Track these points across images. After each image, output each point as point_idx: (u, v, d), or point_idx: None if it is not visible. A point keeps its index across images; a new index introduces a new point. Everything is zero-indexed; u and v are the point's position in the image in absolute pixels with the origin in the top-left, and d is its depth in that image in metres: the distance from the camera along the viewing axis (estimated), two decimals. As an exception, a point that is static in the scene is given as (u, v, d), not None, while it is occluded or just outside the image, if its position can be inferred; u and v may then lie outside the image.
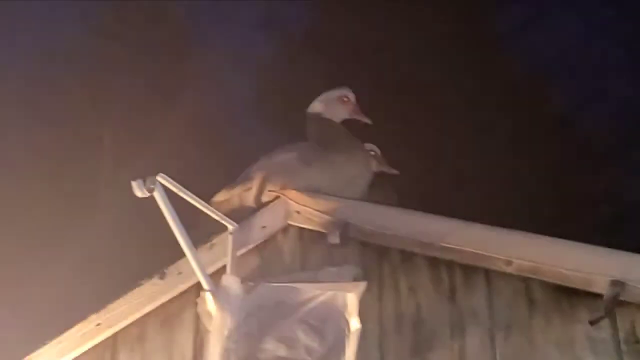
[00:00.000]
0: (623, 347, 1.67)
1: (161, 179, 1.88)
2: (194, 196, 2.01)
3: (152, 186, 1.86)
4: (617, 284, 1.66)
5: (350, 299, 1.90)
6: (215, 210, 2.11)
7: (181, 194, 1.97)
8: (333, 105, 2.28)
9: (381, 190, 2.52)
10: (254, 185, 2.20)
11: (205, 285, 2.03)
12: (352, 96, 2.29)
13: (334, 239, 1.98)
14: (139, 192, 1.84)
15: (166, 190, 1.90)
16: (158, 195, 1.88)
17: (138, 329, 2.21)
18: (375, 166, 2.56)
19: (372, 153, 2.57)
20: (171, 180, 1.92)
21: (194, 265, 2.00)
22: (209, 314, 2.04)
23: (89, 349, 2.22)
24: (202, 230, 2.21)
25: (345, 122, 2.40)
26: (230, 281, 2.05)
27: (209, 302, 2.03)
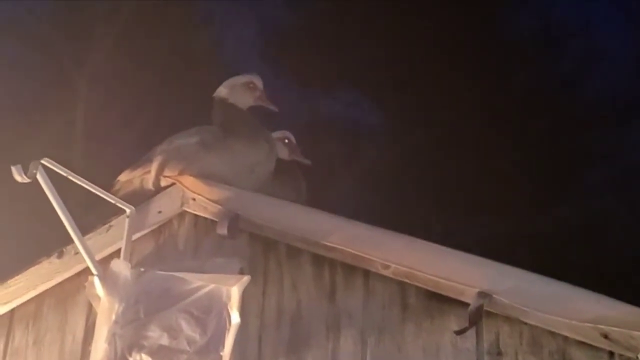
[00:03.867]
0: (485, 358, 1.66)
1: (46, 162, 1.86)
2: (84, 180, 1.98)
3: (34, 171, 1.84)
4: (484, 295, 1.64)
5: (234, 292, 1.89)
6: (109, 194, 2.09)
7: (70, 178, 1.95)
8: (239, 91, 2.22)
9: (290, 178, 2.48)
10: (152, 169, 2.17)
11: (92, 269, 2.01)
12: (259, 83, 2.24)
13: (222, 230, 1.95)
14: (19, 177, 1.82)
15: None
16: (42, 180, 1.86)
17: (34, 307, 2.21)
18: (286, 154, 2.52)
19: (286, 141, 2.53)
20: (58, 165, 1.90)
21: (81, 248, 1.99)
22: (99, 298, 2.04)
23: (-15, 325, 2.22)
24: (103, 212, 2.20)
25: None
26: (120, 266, 2.03)
27: (97, 286, 2.02)
